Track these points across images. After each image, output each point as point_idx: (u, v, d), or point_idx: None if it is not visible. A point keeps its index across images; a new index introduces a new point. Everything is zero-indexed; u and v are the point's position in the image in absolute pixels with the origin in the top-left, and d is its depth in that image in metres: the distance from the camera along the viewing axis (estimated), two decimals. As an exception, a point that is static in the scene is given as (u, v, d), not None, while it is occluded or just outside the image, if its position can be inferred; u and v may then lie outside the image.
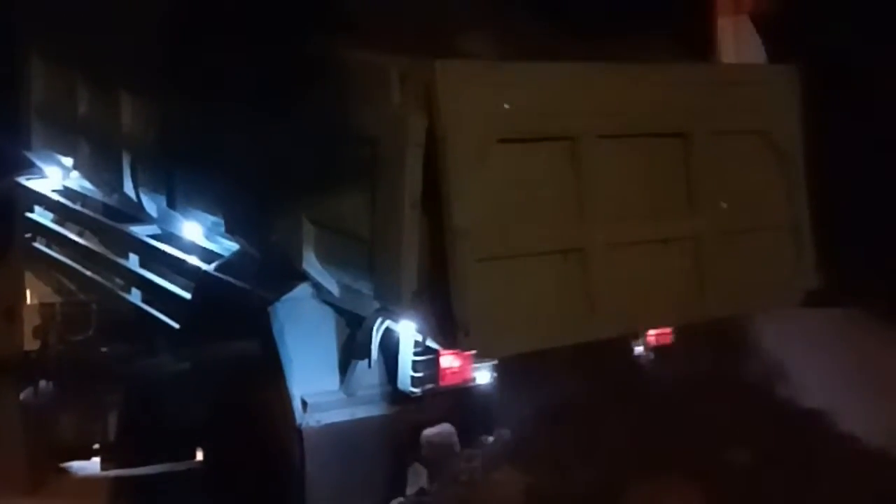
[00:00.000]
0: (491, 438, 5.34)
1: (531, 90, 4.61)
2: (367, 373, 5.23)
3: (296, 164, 5.11)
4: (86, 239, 7.73)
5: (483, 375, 5.21)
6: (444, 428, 5.31)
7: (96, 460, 7.47)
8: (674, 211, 5.12)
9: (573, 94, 4.73)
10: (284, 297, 5.31)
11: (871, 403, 5.66)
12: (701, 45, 5.89)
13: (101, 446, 7.43)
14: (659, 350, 5.73)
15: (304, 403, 5.24)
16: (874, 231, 6.75)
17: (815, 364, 5.98)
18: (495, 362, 5.18)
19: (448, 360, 5.07)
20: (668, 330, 5.71)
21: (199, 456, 6.48)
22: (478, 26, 5.07)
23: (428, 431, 5.28)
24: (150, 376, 6.77)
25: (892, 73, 6.86)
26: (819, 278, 5.52)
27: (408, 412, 5.33)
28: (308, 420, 5.23)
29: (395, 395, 5.26)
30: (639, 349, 5.68)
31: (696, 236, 5.15)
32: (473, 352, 4.91)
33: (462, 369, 5.13)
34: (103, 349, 7.62)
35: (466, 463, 5.10)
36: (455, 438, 5.30)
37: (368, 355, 5.09)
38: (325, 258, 5.08)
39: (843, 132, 6.41)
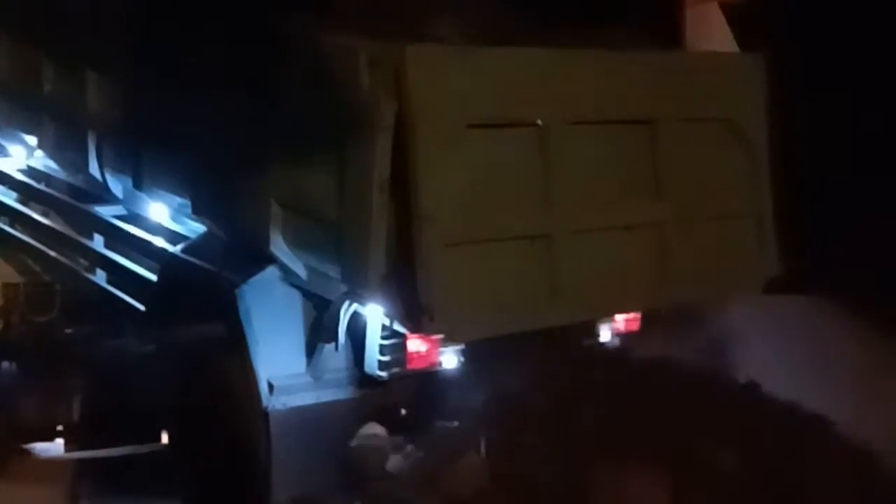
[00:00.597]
0: (456, 423, 5.35)
1: (501, 76, 4.63)
2: (334, 356, 5.23)
3: (264, 145, 5.10)
4: (50, 219, 7.67)
5: (450, 360, 5.23)
6: (368, 431, 5.26)
7: (60, 442, 7.43)
8: (639, 198, 5.16)
9: (542, 81, 4.75)
10: (251, 280, 5.30)
11: (833, 389, 5.73)
12: (669, 33, 5.91)
13: (64, 428, 7.39)
14: (626, 336, 5.77)
15: (271, 386, 5.24)
16: (837, 220, 6.83)
17: (777, 350, 6.05)
18: (463, 347, 5.20)
19: (415, 344, 5.10)
20: (635, 316, 5.76)
21: (164, 438, 6.46)
22: (447, 12, 5.06)
23: (354, 442, 5.20)
24: (115, 358, 6.74)
25: (859, 61, 6.93)
26: (781, 265, 5.58)
27: (374, 396, 5.34)
28: (274, 403, 5.23)
29: (361, 379, 5.28)
30: (606, 335, 5.73)
31: (661, 223, 5.18)
32: (440, 336, 4.93)
33: (429, 353, 5.15)
34: (67, 330, 7.57)
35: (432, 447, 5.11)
36: (384, 442, 5.24)
37: (335, 338, 5.10)
38: (293, 241, 5.08)
39: (808, 121, 6.48)
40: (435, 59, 4.48)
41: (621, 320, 5.73)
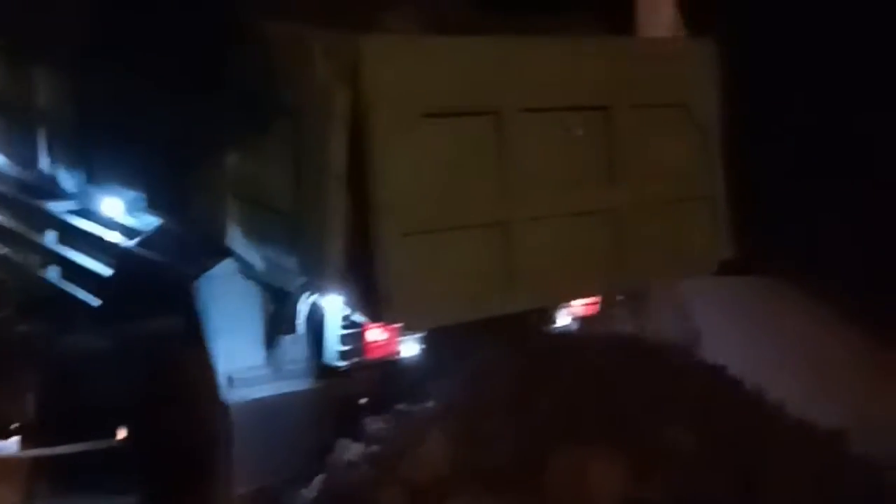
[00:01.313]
0: (415, 411, 5.37)
1: (455, 65, 4.63)
2: (293, 347, 5.23)
3: (219, 138, 5.08)
4: (1, 215, 7.58)
5: (409, 348, 5.25)
6: None
7: (15, 440, 7.35)
8: (595, 183, 5.18)
9: (496, 69, 4.75)
10: (208, 273, 5.28)
11: (785, 368, 5.83)
12: (621, 19, 5.95)
13: (20, 426, 7.31)
14: (584, 320, 5.82)
15: (230, 379, 5.22)
16: (788, 202, 6.92)
17: (730, 329, 6.13)
18: (422, 334, 5.22)
19: (374, 334, 5.11)
20: (593, 300, 5.81)
21: (121, 434, 6.42)
22: (401, 2, 5.07)
23: None
24: (71, 354, 6.68)
25: (805, 45, 7.02)
26: (733, 247, 5.65)
27: (334, 386, 5.34)
28: (234, 396, 5.21)
29: (321, 369, 5.27)
30: (565, 320, 5.77)
31: (617, 208, 5.22)
32: (399, 325, 4.94)
33: (388, 342, 5.17)
34: (21, 327, 7.49)
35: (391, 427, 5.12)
36: None
37: (294, 330, 5.09)
38: (250, 233, 5.07)
39: (758, 105, 6.56)
40: (389, 49, 4.47)
41: (579, 305, 5.78)
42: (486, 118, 4.76)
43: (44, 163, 6.69)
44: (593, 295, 5.73)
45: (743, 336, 6.40)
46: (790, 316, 6.86)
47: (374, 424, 5.25)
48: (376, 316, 4.70)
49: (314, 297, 5.01)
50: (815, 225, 6.88)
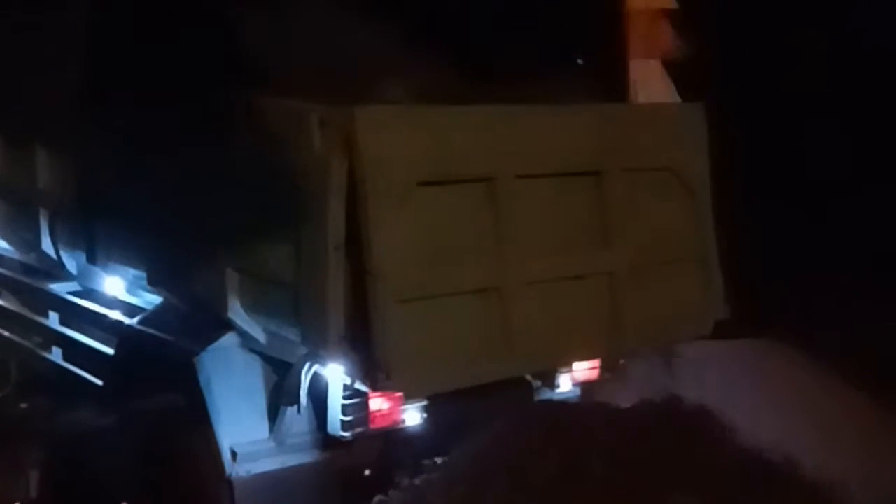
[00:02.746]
0: (419, 480, 5.35)
1: (449, 134, 4.71)
2: (297, 419, 5.22)
3: (217, 212, 5.14)
4: (3, 299, 7.63)
5: (413, 416, 5.25)
6: None
7: (18, 520, 7.30)
8: (589, 247, 5.22)
9: (490, 137, 4.83)
10: (210, 348, 5.30)
11: (787, 428, 5.82)
12: (614, 86, 6.05)
13: (21, 504, 7.28)
14: (586, 385, 5.82)
15: (234, 453, 5.21)
16: (780, 264, 6.97)
17: (732, 392, 6.13)
18: (425, 403, 5.22)
19: (377, 403, 5.10)
20: (594, 365, 5.82)
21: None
22: (394, 73, 5.16)
23: None
24: (73, 432, 6.67)
25: (791, 110, 7.14)
26: (728, 309, 5.67)
27: (339, 457, 5.33)
28: (238, 470, 5.19)
29: (325, 441, 5.26)
30: (566, 385, 5.77)
31: (611, 271, 5.25)
32: (398, 392, 4.95)
33: (391, 411, 5.16)
34: (23, 405, 7.49)
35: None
36: None
37: (297, 401, 5.08)
38: (251, 306, 5.10)
39: (749, 168, 6.64)
40: (383, 120, 4.55)
41: (580, 369, 5.78)
42: (480, 185, 4.82)
43: (46, 245, 6.75)
44: (590, 358, 5.74)
45: (745, 398, 6.39)
46: (790, 376, 6.85)
47: (378, 496, 5.23)
48: (375, 384, 4.70)
49: (316, 368, 5.02)
50: (810, 285, 6.92)
